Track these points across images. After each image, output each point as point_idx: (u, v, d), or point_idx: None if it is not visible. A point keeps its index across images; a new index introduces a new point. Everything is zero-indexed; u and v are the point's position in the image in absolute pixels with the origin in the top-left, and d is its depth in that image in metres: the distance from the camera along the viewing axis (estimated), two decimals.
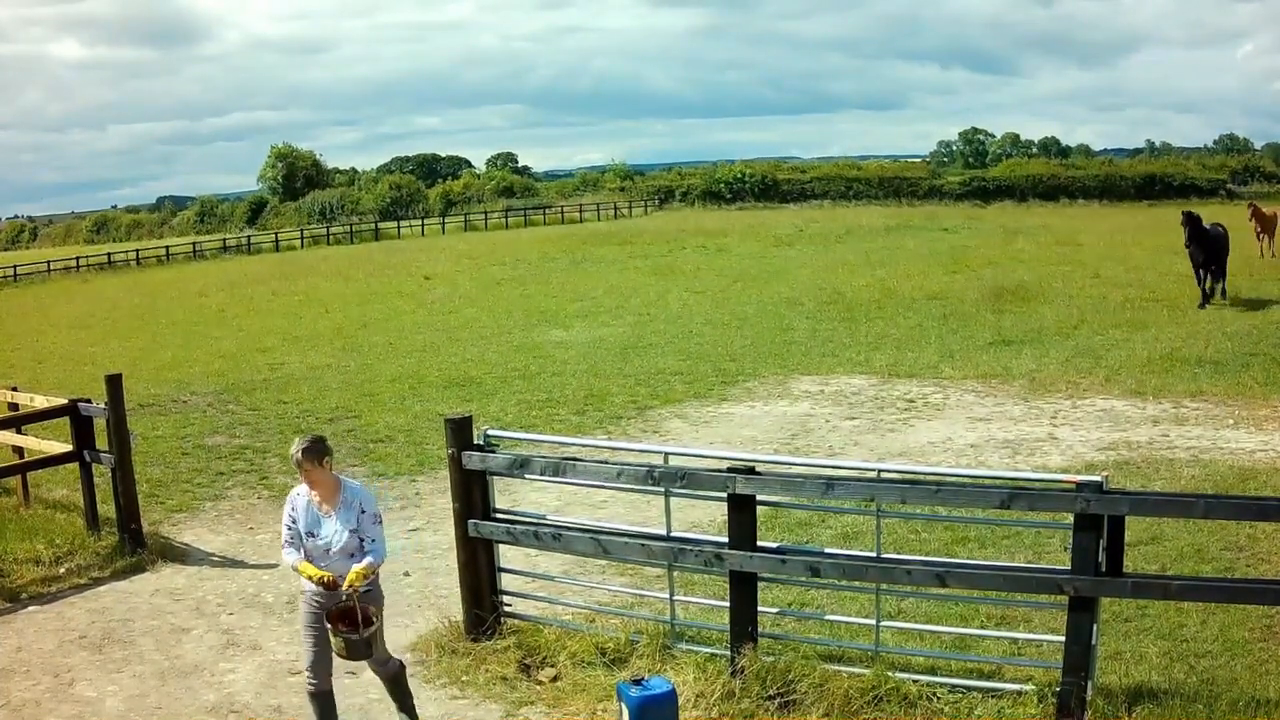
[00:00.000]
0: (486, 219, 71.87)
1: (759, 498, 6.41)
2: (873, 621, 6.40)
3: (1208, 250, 20.64)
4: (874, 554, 6.29)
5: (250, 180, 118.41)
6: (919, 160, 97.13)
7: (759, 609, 6.46)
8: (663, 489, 6.68)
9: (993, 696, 5.92)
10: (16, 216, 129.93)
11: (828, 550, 6.91)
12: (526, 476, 7.21)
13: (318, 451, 5.68)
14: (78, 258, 63.47)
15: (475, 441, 7.09)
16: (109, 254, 65.01)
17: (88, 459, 9.76)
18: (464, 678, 6.75)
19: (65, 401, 10.03)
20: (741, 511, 6.32)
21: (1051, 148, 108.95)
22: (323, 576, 5.59)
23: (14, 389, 11.53)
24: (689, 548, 6.58)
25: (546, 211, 75.19)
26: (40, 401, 10.53)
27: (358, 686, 6.78)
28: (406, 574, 8.73)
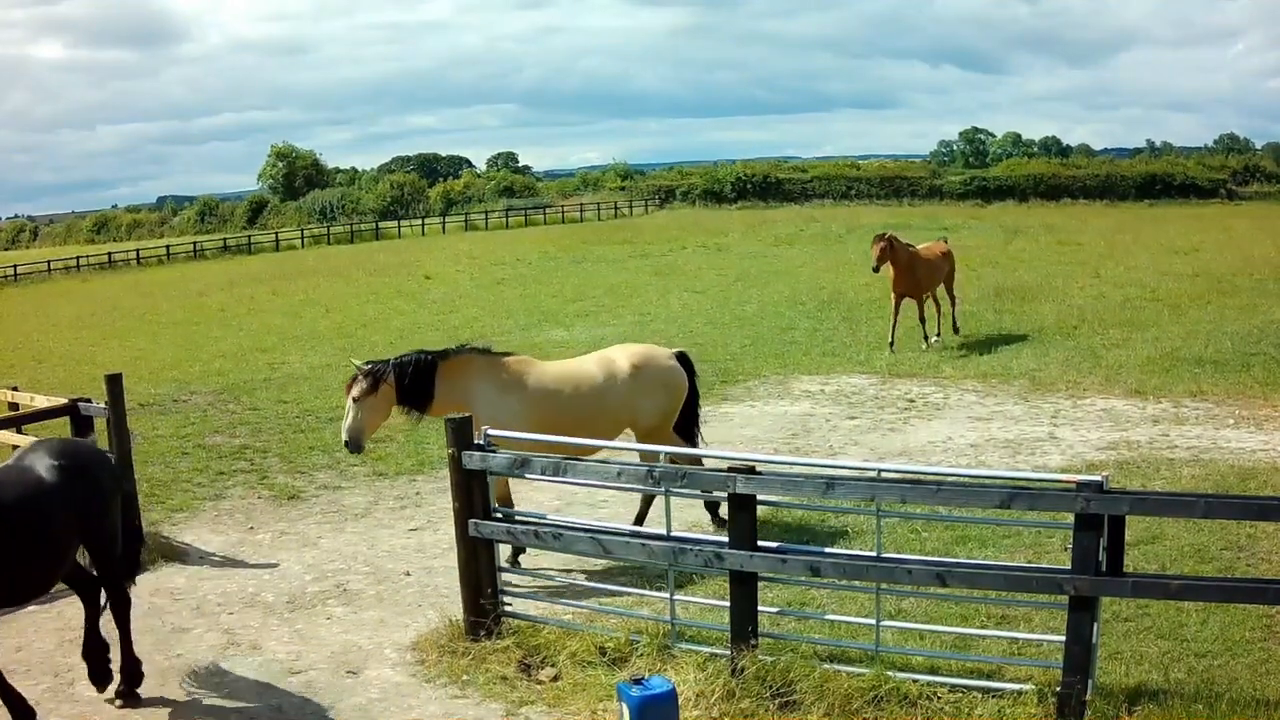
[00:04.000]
0: (487, 218, 71.93)
1: (759, 497, 6.41)
2: (873, 621, 6.39)
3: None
4: (874, 554, 6.29)
5: (247, 180, 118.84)
6: (920, 160, 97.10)
7: (759, 609, 6.46)
8: (663, 489, 6.68)
9: (993, 696, 5.91)
10: (17, 216, 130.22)
11: (828, 550, 6.91)
12: (527, 476, 7.21)
13: None
14: (78, 257, 63.53)
15: (475, 441, 7.09)
16: (109, 254, 65.11)
17: None
18: (464, 677, 6.75)
19: (65, 401, 10.02)
20: (741, 511, 6.32)
21: (1052, 147, 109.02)
22: None
23: (14, 389, 11.53)
24: (689, 547, 6.58)
25: (547, 211, 75.28)
26: (40, 401, 10.52)
27: (358, 686, 6.79)
28: (407, 574, 8.74)
